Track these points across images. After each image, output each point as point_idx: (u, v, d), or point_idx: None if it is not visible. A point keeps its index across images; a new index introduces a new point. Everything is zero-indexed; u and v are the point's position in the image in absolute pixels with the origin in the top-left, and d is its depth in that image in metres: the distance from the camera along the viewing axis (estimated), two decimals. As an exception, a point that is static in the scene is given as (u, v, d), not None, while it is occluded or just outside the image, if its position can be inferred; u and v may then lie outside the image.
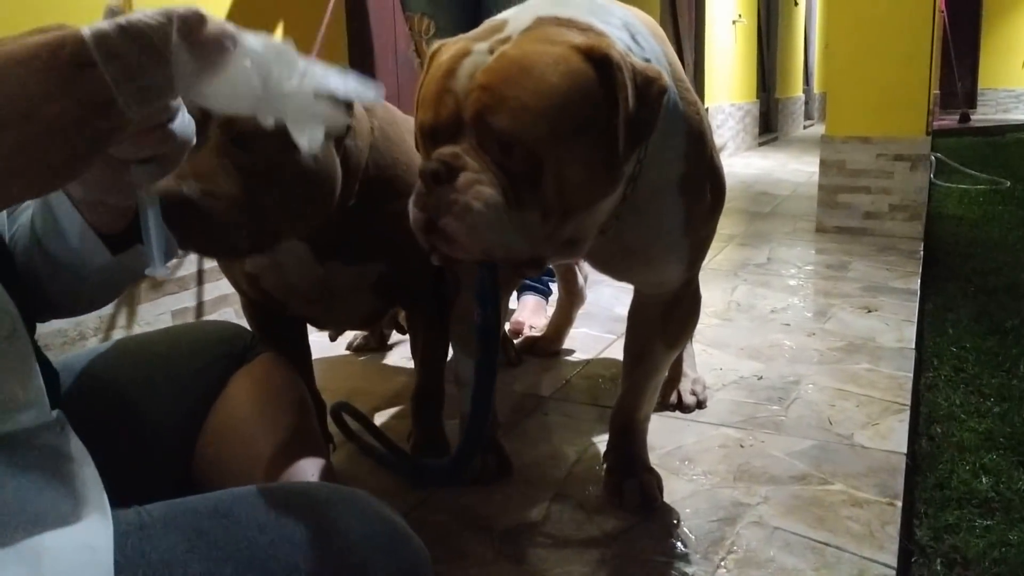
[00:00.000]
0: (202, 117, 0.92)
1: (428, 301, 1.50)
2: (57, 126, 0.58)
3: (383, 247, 1.31)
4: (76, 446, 0.79)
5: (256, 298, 1.41)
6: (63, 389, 1.05)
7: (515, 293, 2.42)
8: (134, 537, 0.77)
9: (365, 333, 2.23)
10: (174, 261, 0.95)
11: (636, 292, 1.43)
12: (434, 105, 1.03)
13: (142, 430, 1.07)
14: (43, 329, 1.59)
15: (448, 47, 1.06)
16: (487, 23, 1.10)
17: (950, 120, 10.43)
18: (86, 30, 0.58)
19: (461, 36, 1.09)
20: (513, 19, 1.07)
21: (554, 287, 2.42)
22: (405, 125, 1.35)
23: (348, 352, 2.24)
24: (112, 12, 0.68)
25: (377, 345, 2.24)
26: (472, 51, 1.02)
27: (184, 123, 0.69)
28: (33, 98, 0.56)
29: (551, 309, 2.30)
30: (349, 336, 2.26)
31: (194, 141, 0.71)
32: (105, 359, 1.11)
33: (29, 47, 0.57)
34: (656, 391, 1.45)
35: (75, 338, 1.66)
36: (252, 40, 0.64)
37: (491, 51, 1.01)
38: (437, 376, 1.56)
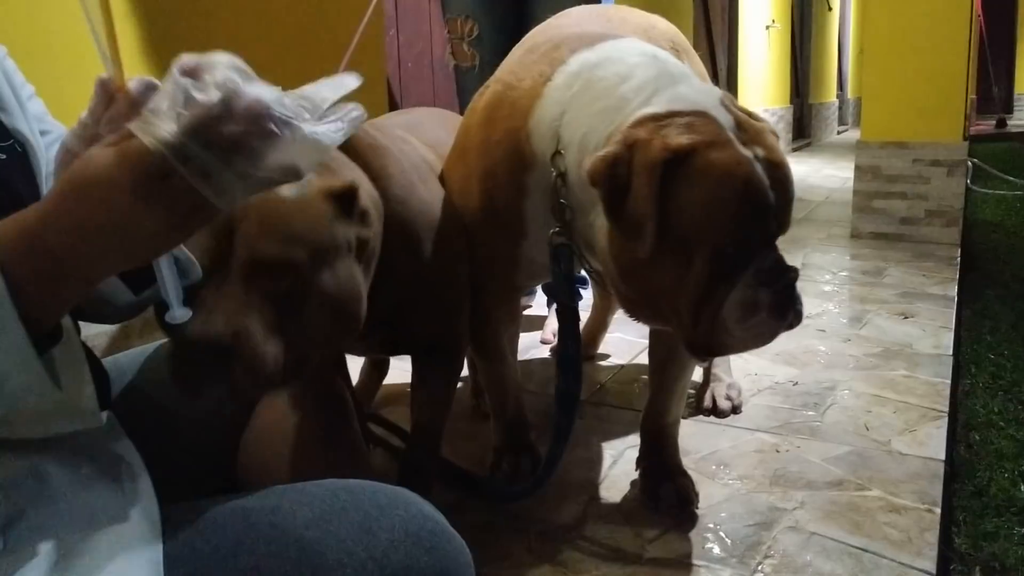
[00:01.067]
0: (221, 253, 0.91)
1: (436, 355, 1.34)
2: (156, 231, 0.60)
3: (387, 311, 1.18)
4: (129, 449, 0.82)
5: None
6: (114, 387, 1.08)
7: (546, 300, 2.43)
8: (184, 531, 0.80)
9: None
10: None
11: None
12: None
13: (189, 429, 1.09)
14: (88, 330, 1.63)
15: None
16: None
17: (987, 125, 10.28)
18: (154, 142, 0.58)
19: None
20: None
21: (586, 293, 2.42)
22: (421, 175, 1.27)
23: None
24: (102, 84, 0.70)
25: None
26: None
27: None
28: (125, 215, 0.58)
29: (584, 315, 2.31)
30: None
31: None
32: (153, 359, 1.14)
33: (100, 170, 0.58)
34: (684, 394, 1.46)
35: (120, 338, 1.70)
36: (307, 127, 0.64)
37: None
38: (439, 424, 1.35)
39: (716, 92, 1.07)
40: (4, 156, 0.79)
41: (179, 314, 0.71)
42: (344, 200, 0.99)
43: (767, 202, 0.99)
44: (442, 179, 1.34)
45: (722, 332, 1.01)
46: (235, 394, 0.93)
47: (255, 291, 0.92)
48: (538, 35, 1.40)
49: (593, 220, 1.09)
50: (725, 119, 1.02)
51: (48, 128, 0.91)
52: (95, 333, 1.65)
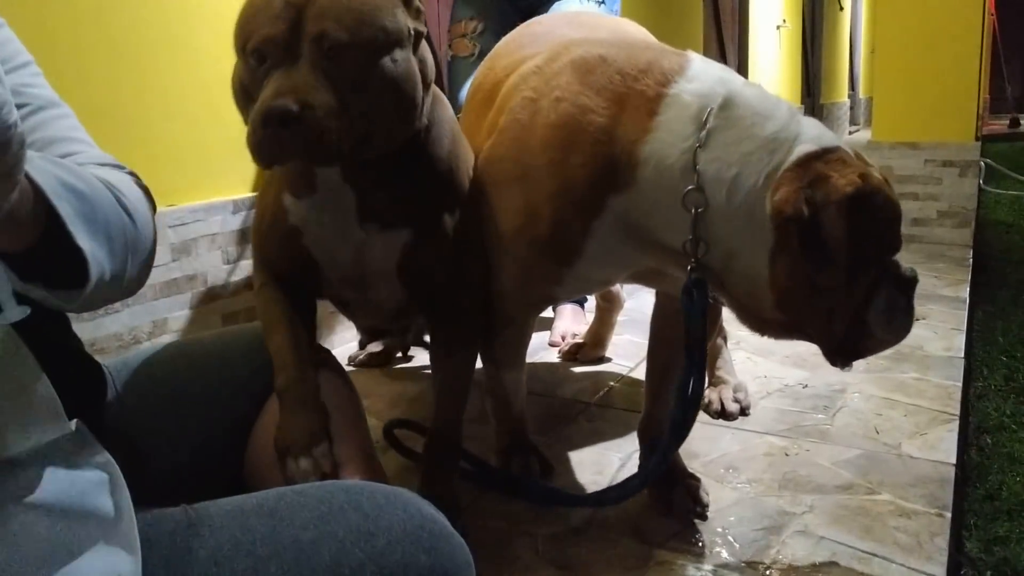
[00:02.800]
0: (292, 35, 1.01)
1: (455, 311, 1.35)
2: None
3: (413, 209, 1.23)
4: (102, 459, 0.78)
5: (288, 268, 1.27)
6: (120, 384, 1.08)
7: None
8: (181, 534, 0.80)
9: (368, 350, 2.23)
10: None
11: (658, 296, 1.44)
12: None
13: (195, 429, 1.09)
14: (97, 333, 1.64)
15: None
16: None
17: (1000, 125, 10.22)
18: None
19: None
20: None
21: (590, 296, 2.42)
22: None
23: (351, 367, 2.21)
24: None
25: (380, 363, 2.23)
26: None
27: None
28: None
29: (589, 316, 2.31)
30: (352, 349, 2.28)
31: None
32: (160, 359, 1.14)
33: None
34: None
35: (129, 342, 1.71)
36: None
37: None
38: (457, 415, 1.38)
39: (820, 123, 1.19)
40: None
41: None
42: None
43: (901, 216, 1.14)
44: (482, 183, 1.33)
45: (868, 337, 1.14)
46: (308, 156, 1.04)
47: (322, 71, 1.01)
48: (536, 43, 1.40)
49: (740, 250, 1.14)
50: (850, 149, 1.14)
51: (25, 100, 0.87)
52: (103, 336, 1.66)
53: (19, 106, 0.83)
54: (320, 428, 1.08)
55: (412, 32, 1.11)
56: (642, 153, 1.17)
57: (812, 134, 1.12)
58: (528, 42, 1.41)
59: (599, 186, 1.20)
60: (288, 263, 1.26)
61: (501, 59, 1.46)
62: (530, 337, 1.50)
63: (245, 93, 1.07)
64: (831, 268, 1.07)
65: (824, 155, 1.10)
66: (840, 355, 1.17)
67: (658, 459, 1.29)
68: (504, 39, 1.55)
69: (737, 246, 1.14)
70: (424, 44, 1.18)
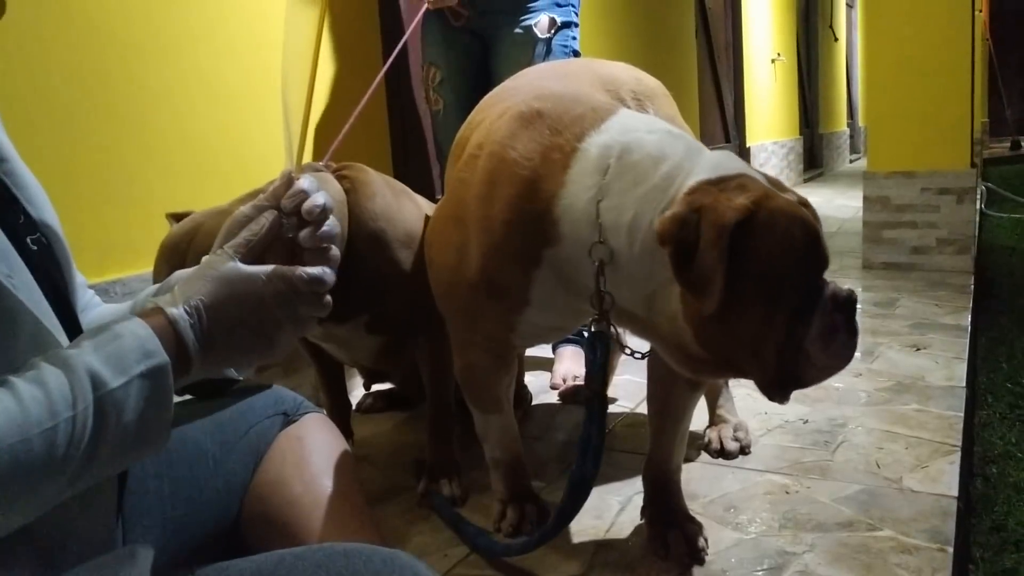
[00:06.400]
0: None
1: (426, 334, 1.65)
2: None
3: (363, 299, 1.53)
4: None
5: None
6: None
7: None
8: None
9: (374, 390, 2.26)
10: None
11: None
12: None
13: (191, 488, 1.10)
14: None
15: None
16: None
17: (1001, 148, 10.23)
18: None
19: None
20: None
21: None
22: (395, 192, 1.63)
23: (359, 412, 2.23)
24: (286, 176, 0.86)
25: (383, 406, 2.25)
26: None
27: None
28: None
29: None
30: (357, 396, 2.28)
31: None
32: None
33: None
34: (685, 438, 1.46)
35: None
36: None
37: None
38: (446, 401, 1.70)
39: (735, 156, 1.18)
40: (36, 247, 0.83)
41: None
42: None
43: (821, 237, 1.10)
44: (428, 240, 1.45)
45: (807, 365, 1.09)
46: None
47: None
48: (510, 97, 1.43)
49: (656, 291, 1.13)
50: (761, 177, 1.12)
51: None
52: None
53: None
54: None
55: None
56: (559, 208, 1.18)
57: (710, 164, 1.11)
58: (507, 96, 1.44)
59: (531, 239, 1.22)
60: None
61: (477, 114, 1.50)
62: (508, 384, 1.50)
63: None
64: (707, 298, 1.03)
65: (720, 182, 1.08)
66: (777, 387, 1.13)
67: (545, 530, 1.30)
68: (488, 94, 1.58)
69: (653, 288, 1.13)
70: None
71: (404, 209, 1.61)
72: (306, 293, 0.82)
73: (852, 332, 1.10)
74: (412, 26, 1.92)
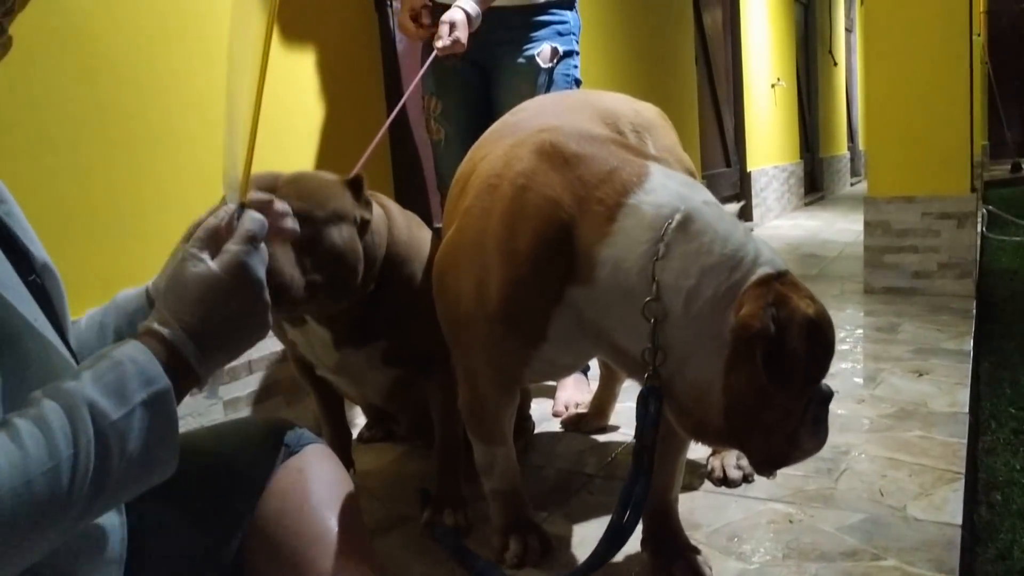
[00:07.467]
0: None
1: (440, 369, 1.65)
2: None
3: (384, 326, 1.58)
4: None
5: (298, 364, 1.79)
6: None
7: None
8: None
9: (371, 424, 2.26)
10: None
11: None
12: None
13: (190, 524, 1.10)
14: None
15: None
16: None
17: (1001, 170, 10.25)
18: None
19: None
20: None
21: (592, 363, 2.42)
22: (415, 224, 1.68)
23: (359, 443, 2.22)
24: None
25: (382, 437, 2.25)
26: None
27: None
28: None
29: (593, 384, 2.30)
30: (359, 426, 2.28)
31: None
32: None
33: None
34: (683, 468, 1.46)
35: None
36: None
37: None
38: (456, 434, 1.70)
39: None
40: (40, 280, 0.85)
41: None
42: (354, 186, 1.44)
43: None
44: (441, 269, 1.44)
45: (796, 448, 1.20)
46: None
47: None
48: (513, 133, 1.44)
49: (693, 357, 1.18)
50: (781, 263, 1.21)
51: None
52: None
53: None
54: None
55: (359, 217, 1.43)
56: (600, 254, 1.21)
57: (768, 256, 1.18)
58: (509, 132, 1.45)
59: (558, 276, 1.25)
60: (296, 361, 1.80)
61: (480, 149, 1.51)
62: (512, 415, 1.50)
63: None
64: (789, 384, 1.13)
65: (780, 277, 1.16)
66: (770, 464, 1.24)
67: (590, 560, 1.29)
68: (488, 130, 1.59)
69: (690, 353, 1.17)
70: (372, 230, 1.48)
71: (424, 238, 1.65)
72: (253, 249, 0.82)
73: (826, 423, 1.23)
74: (421, 71, 1.95)
